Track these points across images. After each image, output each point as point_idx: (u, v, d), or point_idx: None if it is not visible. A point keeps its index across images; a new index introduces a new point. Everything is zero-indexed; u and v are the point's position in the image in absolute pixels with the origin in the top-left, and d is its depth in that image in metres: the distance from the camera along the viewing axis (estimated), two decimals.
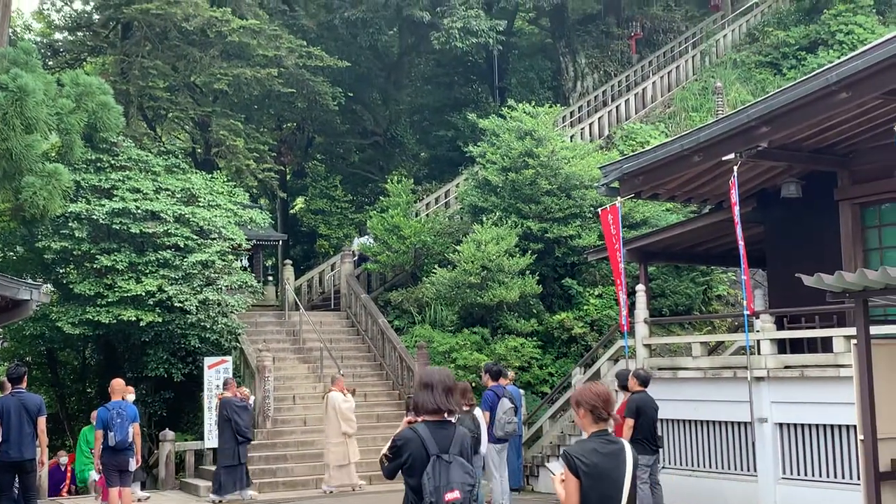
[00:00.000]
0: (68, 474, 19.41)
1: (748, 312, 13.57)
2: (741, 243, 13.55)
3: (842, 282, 9.10)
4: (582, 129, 29.39)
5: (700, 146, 14.21)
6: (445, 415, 5.74)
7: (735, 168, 13.71)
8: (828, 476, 12.71)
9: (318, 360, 21.75)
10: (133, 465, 13.25)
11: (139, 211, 19.50)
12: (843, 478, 12.52)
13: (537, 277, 21.82)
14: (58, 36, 28.73)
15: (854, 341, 9.40)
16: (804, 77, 13.38)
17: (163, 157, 22.07)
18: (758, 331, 13.67)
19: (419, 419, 5.79)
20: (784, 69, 30.72)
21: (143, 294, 18.84)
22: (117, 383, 13.28)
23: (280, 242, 28.96)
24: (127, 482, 13.29)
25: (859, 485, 12.15)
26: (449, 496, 5.49)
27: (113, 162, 20.73)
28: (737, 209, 13.66)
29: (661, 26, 36.82)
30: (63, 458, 19.45)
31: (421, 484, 5.56)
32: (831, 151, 14.70)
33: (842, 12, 30.58)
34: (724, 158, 13.97)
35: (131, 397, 13.66)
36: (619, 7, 36.69)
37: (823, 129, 13.69)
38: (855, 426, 12.22)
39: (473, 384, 17.30)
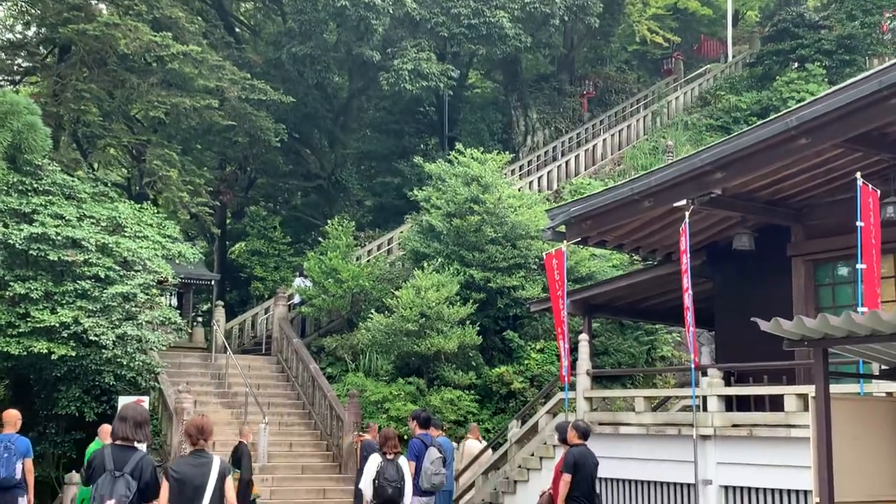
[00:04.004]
0: None
1: (694, 366, 12.82)
2: (689, 292, 12.84)
3: (801, 328, 8.36)
4: (530, 182, 28.93)
5: (651, 191, 13.57)
6: (134, 442, 7.31)
7: (686, 214, 13.06)
8: None
9: (242, 405, 20.59)
10: None
11: (59, 237, 18.35)
12: None
13: (478, 328, 21.04)
14: None
15: (812, 395, 8.63)
16: (762, 121, 12.83)
17: (90, 185, 20.99)
18: (707, 386, 12.90)
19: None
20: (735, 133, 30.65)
21: (58, 325, 17.63)
22: (8, 415, 12.07)
23: (213, 283, 27.87)
24: None
25: None
26: (107, 502, 6.93)
27: (36, 185, 19.58)
28: (686, 257, 12.98)
29: (613, 87, 36.81)
30: None
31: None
32: (786, 204, 14.16)
33: (794, 80, 30.70)
34: (675, 205, 13.31)
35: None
36: (572, 66, 36.58)
37: (780, 178, 13.14)
38: (806, 491, 11.47)
39: (405, 436, 16.34)
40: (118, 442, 7.31)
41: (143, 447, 8.24)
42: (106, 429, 15.15)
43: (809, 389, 9.07)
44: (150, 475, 7.25)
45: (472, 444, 18.15)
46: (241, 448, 16.15)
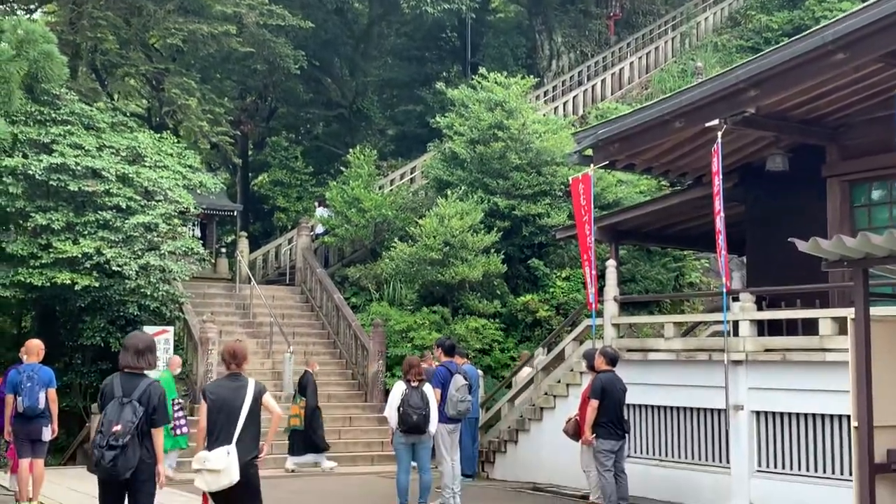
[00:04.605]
0: None
1: (725, 290, 12.49)
2: (720, 215, 12.46)
3: (841, 247, 8.05)
4: (555, 107, 28.41)
5: (682, 110, 13.15)
6: (144, 370, 7.42)
7: (719, 135, 12.62)
8: (807, 470, 11.67)
9: (267, 335, 20.53)
10: (47, 434, 11.91)
11: (79, 167, 18.18)
12: (825, 472, 11.49)
13: (502, 257, 20.76)
14: None
15: (851, 317, 8.33)
16: (797, 37, 12.31)
17: (109, 115, 20.72)
18: (740, 311, 12.58)
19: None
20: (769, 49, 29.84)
21: (80, 256, 17.54)
22: (30, 344, 11.94)
23: (236, 214, 27.67)
24: (40, 453, 11.96)
25: (843, 480, 11.19)
26: (115, 428, 7.04)
27: (54, 115, 19.35)
28: (718, 179, 12.58)
29: (640, 8, 35.91)
30: None
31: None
32: (821, 123, 13.69)
33: None
34: (707, 125, 12.88)
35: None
36: None
37: (815, 96, 12.66)
38: (842, 416, 11.23)
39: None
40: (125, 370, 7.42)
41: (154, 374, 8.33)
42: (175, 360, 16.39)
43: (848, 312, 8.75)
44: (157, 401, 7.34)
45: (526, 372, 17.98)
46: (307, 377, 16.80)
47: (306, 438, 16.49)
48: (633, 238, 18.33)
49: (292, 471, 16.27)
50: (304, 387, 16.54)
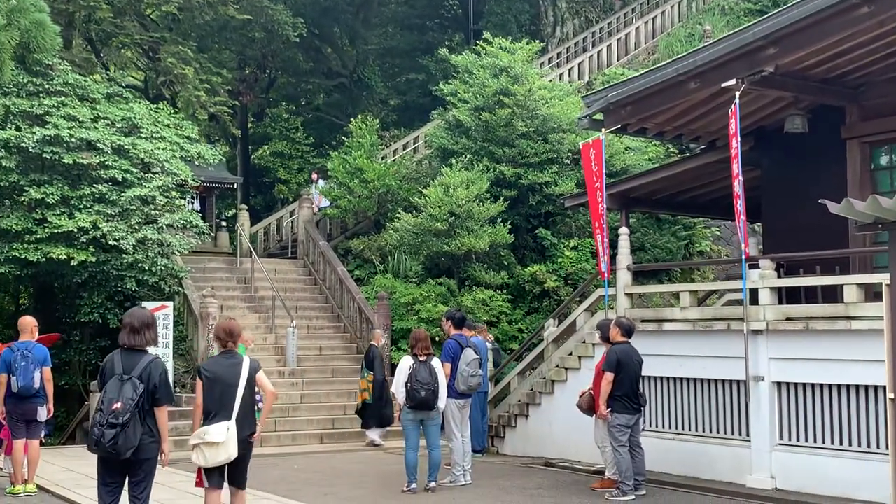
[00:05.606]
0: None
1: (744, 257, 12.01)
2: (738, 179, 11.96)
3: (876, 208, 7.57)
4: (560, 74, 27.85)
5: (697, 70, 12.57)
6: (147, 347, 7.32)
7: (737, 95, 12.09)
8: (833, 442, 11.23)
9: (270, 309, 20.10)
10: (43, 414, 11.53)
11: (73, 139, 17.67)
12: (851, 444, 11.05)
13: (509, 227, 20.31)
14: None
15: (887, 282, 7.86)
16: None
17: (104, 86, 20.19)
18: (759, 278, 12.10)
19: None
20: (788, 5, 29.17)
21: (76, 230, 17.08)
22: (23, 322, 11.51)
23: (237, 186, 27.23)
24: (35, 434, 11.59)
25: (870, 452, 10.76)
26: (115, 406, 6.95)
27: (47, 86, 18.82)
28: (736, 141, 12.06)
29: None
30: None
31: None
32: (841, 83, 13.14)
33: None
34: (724, 85, 12.34)
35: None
36: None
37: (836, 53, 12.10)
38: (868, 386, 10.80)
39: (437, 338, 15.80)
40: (125, 347, 7.33)
41: (154, 350, 8.14)
42: (249, 337, 15.69)
43: (877, 277, 8.29)
44: (158, 378, 7.23)
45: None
46: (373, 351, 16.72)
47: (376, 411, 16.30)
48: (644, 205, 17.83)
49: (374, 444, 16.24)
50: (371, 360, 16.45)
